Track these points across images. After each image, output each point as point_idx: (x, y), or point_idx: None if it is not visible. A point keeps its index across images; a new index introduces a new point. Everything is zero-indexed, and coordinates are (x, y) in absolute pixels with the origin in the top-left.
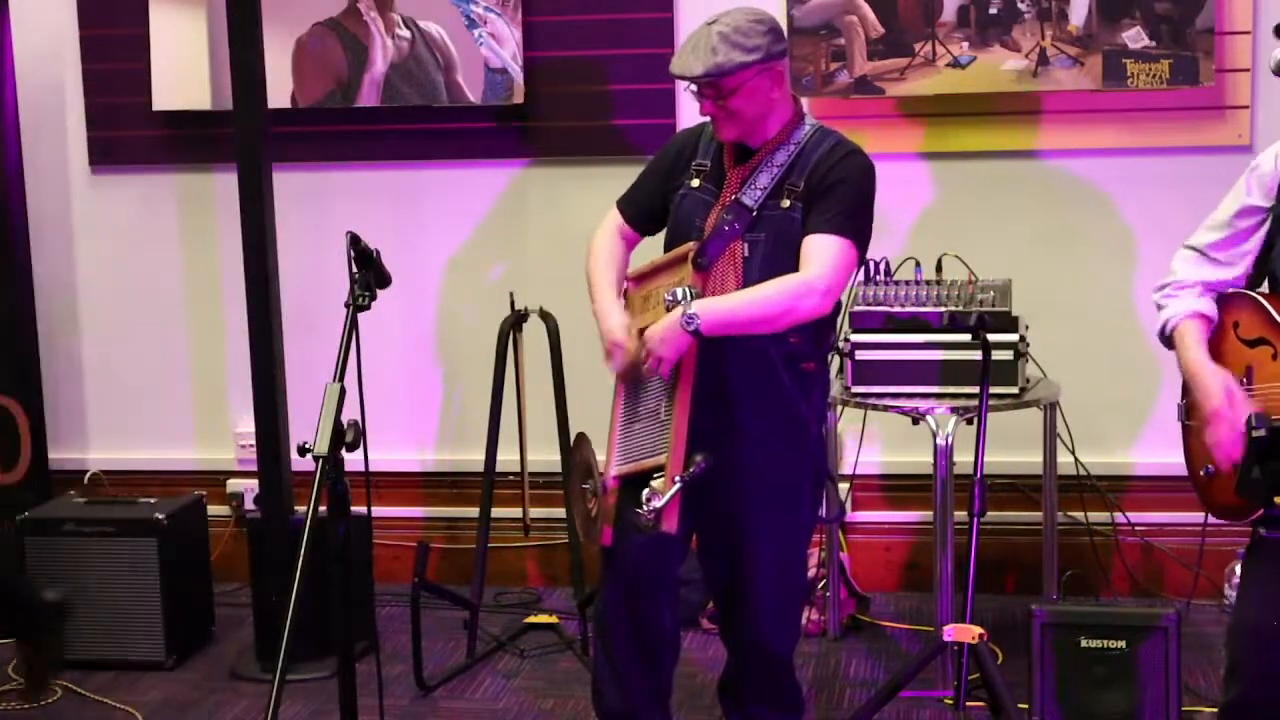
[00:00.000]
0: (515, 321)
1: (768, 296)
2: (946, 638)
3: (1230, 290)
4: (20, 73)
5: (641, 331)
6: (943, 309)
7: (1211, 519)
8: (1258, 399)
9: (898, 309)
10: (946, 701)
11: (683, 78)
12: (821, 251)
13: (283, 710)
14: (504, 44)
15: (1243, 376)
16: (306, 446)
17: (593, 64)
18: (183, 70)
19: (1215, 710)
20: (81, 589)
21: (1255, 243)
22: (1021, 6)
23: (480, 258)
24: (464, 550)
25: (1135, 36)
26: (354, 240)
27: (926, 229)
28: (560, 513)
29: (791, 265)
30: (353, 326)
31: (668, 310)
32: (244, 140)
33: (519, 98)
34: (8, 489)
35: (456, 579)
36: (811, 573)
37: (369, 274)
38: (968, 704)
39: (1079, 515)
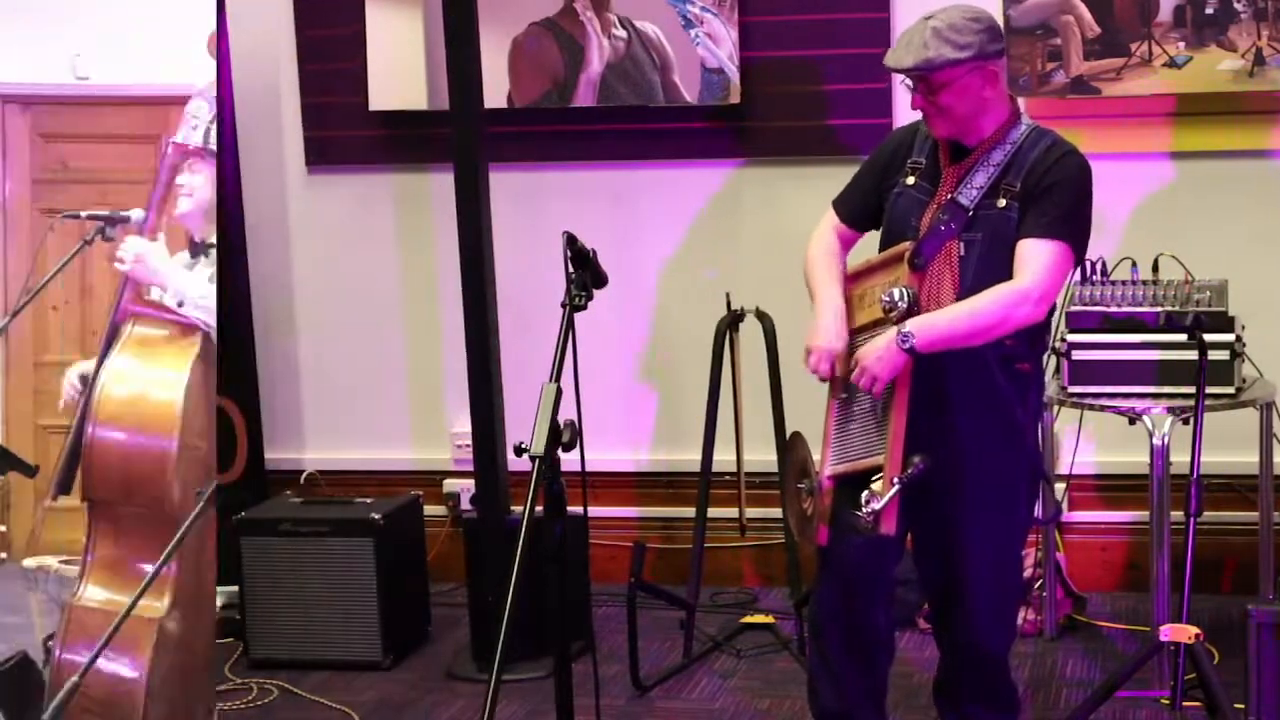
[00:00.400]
0: (731, 321)
1: (983, 308)
2: (1163, 638)
3: None
4: (237, 74)
5: (853, 333)
6: (1159, 309)
7: None
8: None
9: (1114, 309)
10: (1163, 702)
11: (894, 70)
12: (1036, 258)
13: (499, 710)
14: (720, 44)
15: None
16: (523, 446)
17: (809, 64)
18: (399, 70)
19: None
20: (297, 589)
21: None
22: (1238, 6)
23: (696, 258)
24: (680, 550)
25: None
26: (570, 240)
27: (1142, 228)
28: (776, 513)
29: (1008, 265)
30: (569, 326)
31: (884, 310)
32: (460, 140)
33: (735, 98)
34: (224, 488)
35: (672, 579)
36: (1027, 573)
37: (585, 274)
38: (1184, 704)
39: None
